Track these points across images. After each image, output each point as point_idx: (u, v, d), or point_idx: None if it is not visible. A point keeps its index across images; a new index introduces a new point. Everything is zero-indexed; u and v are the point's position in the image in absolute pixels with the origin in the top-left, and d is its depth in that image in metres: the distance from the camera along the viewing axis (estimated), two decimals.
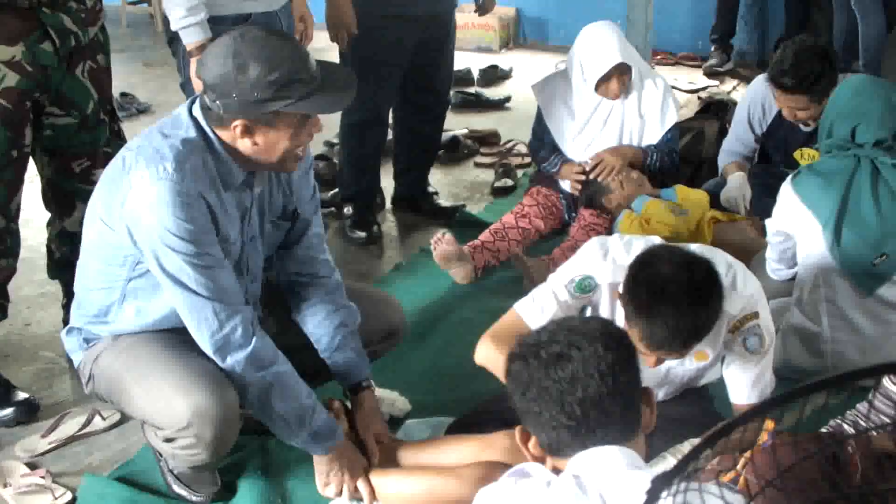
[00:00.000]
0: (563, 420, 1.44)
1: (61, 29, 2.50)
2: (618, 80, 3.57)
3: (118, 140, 2.76)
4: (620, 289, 2.17)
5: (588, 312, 2.38)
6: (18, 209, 2.69)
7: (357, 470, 2.34)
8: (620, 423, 1.44)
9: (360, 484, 2.33)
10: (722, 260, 2.29)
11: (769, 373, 2.37)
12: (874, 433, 1.79)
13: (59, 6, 2.48)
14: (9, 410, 2.68)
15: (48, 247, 2.96)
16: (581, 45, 3.62)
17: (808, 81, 3.28)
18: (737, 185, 3.63)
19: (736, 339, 2.30)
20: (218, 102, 2.05)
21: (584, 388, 1.43)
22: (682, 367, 2.40)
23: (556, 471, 1.46)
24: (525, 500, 1.41)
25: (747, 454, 1.96)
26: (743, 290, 2.28)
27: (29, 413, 2.69)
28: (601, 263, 2.34)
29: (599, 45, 3.57)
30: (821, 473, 0.97)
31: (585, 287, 2.34)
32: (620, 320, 2.27)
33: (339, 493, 2.34)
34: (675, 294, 2.05)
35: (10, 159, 2.54)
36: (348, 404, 2.54)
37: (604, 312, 2.35)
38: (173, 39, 3.03)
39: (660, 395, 2.51)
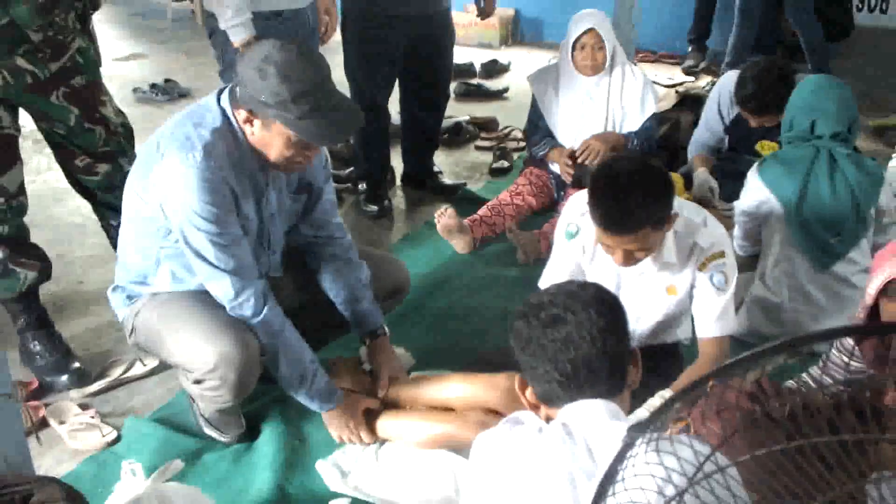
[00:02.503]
0: (556, 376, 1.43)
1: (12, 68, 2.39)
2: (591, 49, 3.52)
3: (115, 138, 2.65)
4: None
5: (580, 249, 2.41)
6: (20, 187, 2.54)
7: (356, 423, 2.35)
8: (607, 380, 1.43)
9: (363, 434, 2.35)
10: (694, 207, 2.33)
11: (732, 310, 2.37)
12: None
13: (10, 52, 2.38)
14: (63, 378, 2.65)
15: (103, 227, 2.93)
16: (570, 23, 3.61)
17: (771, 106, 3.25)
18: (703, 179, 3.61)
19: (704, 276, 2.31)
20: (238, 87, 2.06)
21: (576, 349, 1.42)
22: (656, 299, 2.40)
23: (549, 419, 1.46)
24: (519, 444, 1.41)
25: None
26: (714, 229, 2.31)
27: (80, 381, 2.64)
28: (581, 200, 2.35)
29: (581, 14, 3.58)
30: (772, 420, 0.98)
31: (571, 233, 2.39)
32: (601, 249, 2.28)
33: (340, 440, 2.37)
34: (629, 180, 2.09)
35: None
36: (362, 352, 2.56)
37: (587, 241, 2.37)
38: (213, 32, 3.00)
39: (634, 336, 2.51)
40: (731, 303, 2.36)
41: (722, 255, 2.30)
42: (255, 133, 2.09)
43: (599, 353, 1.42)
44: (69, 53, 2.48)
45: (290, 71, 1.98)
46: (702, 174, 3.62)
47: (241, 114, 2.08)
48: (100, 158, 2.63)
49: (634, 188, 2.08)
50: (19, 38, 2.34)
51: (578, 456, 1.33)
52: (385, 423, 2.38)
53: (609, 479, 0.81)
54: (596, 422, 1.39)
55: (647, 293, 2.39)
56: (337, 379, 2.45)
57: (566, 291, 1.50)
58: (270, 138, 2.08)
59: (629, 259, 2.21)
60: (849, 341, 2.02)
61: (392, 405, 2.45)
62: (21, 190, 2.55)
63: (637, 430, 0.81)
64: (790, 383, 2.26)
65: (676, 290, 2.37)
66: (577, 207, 2.39)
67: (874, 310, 2.01)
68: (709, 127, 3.73)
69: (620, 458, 0.81)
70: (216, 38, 3.01)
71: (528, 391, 1.52)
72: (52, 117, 2.53)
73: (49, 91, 2.48)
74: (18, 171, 2.53)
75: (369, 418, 2.39)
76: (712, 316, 2.35)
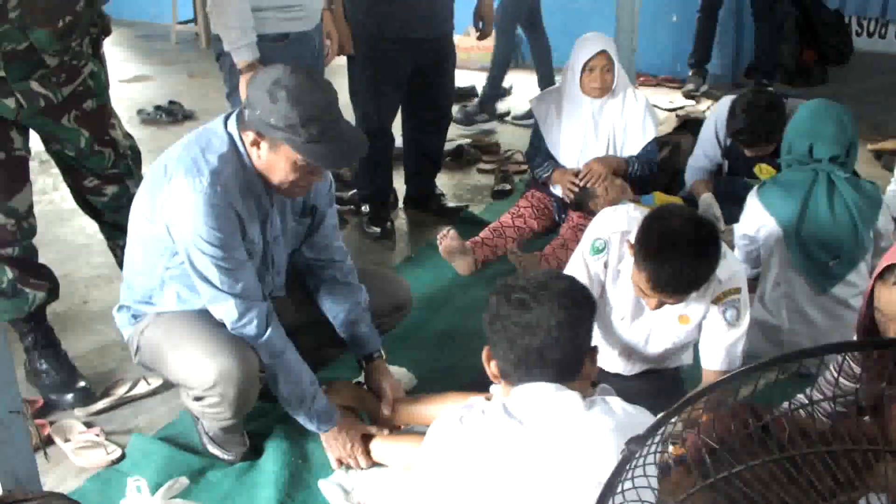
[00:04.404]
0: (510, 356, 1.55)
1: (27, 92, 2.41)
2: (601, 72, 3.57)
3: (122, 161, 2.68)
4: (632, 238, 2.20)
5: (602, 265, 2.41)
6: (30, 208, 2.56)
7: (354, 445, 2.35)
8: (556, 368, 1.54)
9: (360, 457, 2.35)
10: None
11: (740, 347, 2.37)
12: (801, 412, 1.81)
13: (24, 76, 2.40)
14: (69, 396, 2.67)
15: (109, 247, 2.95)
16: (574, 46, 3.65)
17: (762, 137, 3.33)
18: (707, 204, 3.62)
19: (717, 309, 2.31)
20: (247, 110, 2.09)
21: (532, 336, 1.53)
22: (667, 328, 2.41)
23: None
24: (467, 426, 1.53)
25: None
26: (732, 263, 2.32)
27: (85, 400, 2.66)
28: (612, 216, 2.38)
29: (588, 38, 3.62)
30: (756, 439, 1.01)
31: (598, 248, 2.38)
32: (626, 267, 2.28)
33: (338, 465, 2.37)
34: (683, 245, 2.08)
35: None
36: (360, 377, 2.57)
37: (612, 260, 2.38)
38: (220, 55, 3.04)
39: (636, 368, 2.54)
40: (742, 340, 2.36)
41: (738, 290, 2.30)
42: (262, 156, 2.12)
43: (552, 344, 1.53)
44: (81, 77, 2.52)
45: (300, 95, 2.01)
46: (706, 199, 3.64)
47: (249, 136, 2.11)
48: (108, 180, 2.67)
49: (690, 254, 2.08)
50: (36, 62, 2.38)
51: (513, 429, 1.48)
52: (379, 448, 2.38)
53: (609, 490, 0.83)
54: (538, 398, 1.51)
55: (660, 320, 2.40)
56: (339, 397, 2.47)
57: (539, 280, 1.61)
58: (277, 161, 2.11)
59: (662, 305, 2.25)
60: (838, 359, 2.04)
61: (390, 424, 2.47)
62: (30, 211, 2.58)
63: (636, 442, 0.83)
64: (785, 405, 2.28)
65: (689, 319, 2.38)
66: (606, 223, 2.40)
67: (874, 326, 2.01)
68: (706, 153, 3.75)
69: (620, 470, 0.84)
70: (223, 61, 3.05)
71: (493, 364, 1.63)
72: (62, 139, 2.56)
73: (61, 114, 2.51)
74: (28, 192, 2.56)
75: (365, 442, 2.39)
76: (719, 349, 2.36)
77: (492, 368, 1.64)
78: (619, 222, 2.36)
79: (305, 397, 2.28)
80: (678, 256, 2.08)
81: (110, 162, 2.65)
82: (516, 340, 1.55)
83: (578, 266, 2.43)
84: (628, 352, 2.51)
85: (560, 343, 1.53)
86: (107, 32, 2.65)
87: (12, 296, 2.56)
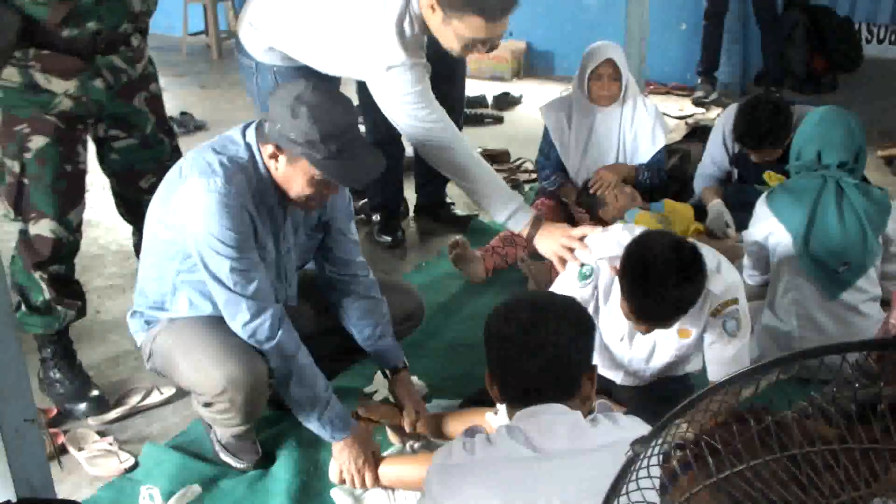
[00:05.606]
0: (509, 379, 1.58)
1: (112, 67, 2.49)
2: (608, 80, 3.59)
3: (177, 155, 2.73)
4: (617, 264, 2.19)
5: (590, 291, 2.39)
6: (80, 224, 2.60)
7: (365, 460, 2.30)
8: (553, 387, 1.55)
9: (367, 474, 2.30)
10: (709, 251, 2.29)
11: (746, 357, 2.37)
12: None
13: (110, 50, 2.47)
14: (82, 405, 2.70)
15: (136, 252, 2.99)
16: (584, 55, 3.67)
17: (766, 139, 3.34)
18: (718, 212, 3.63)
19: (717, 321, 2.30)
20: (267, 123, 2.12)
21: (530, 356, 1.54)
22: (668, 342, 2.41)
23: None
24: (477, 455, 1.53)
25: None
26: (727, 275, 2.30)
27: (99, 409, 2.69)
28: (598, 241, 2.37)
29: (596, 46, 3.64)
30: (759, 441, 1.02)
31: (585, 274, 2.38)
32: (616, 291, 2.28)
33: (342, 481, 2.32)
34: (665, 273, 2.07)
35: (64, 172, 2.47)
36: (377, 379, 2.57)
37: (601, 284, 2.37)
38: (247, 75, 3.07)
39: (646, 376, 2.54)
40: (745, 350, 2.35)
41: (735, 301, 2.30)
42: (280, 168, 2.15)
43: (550, 364, 1.54)
44: (146, 59, 2.61)
45: (320, 113, 2.04)
46: (717, 206, 3.64)
47: (268, 149, 2.14)
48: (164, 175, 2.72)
49: (671, 283, 2.07)
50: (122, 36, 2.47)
51: (521, 453, 1.48)
52: (387, 470, 2.33)
53: (613, 492, 0.85)
54: (541, 420, 1.52)
55: (660, 335, 2.40)
56: (376, 413, 2.45)
57: (538, 301, 1.64)
58: (294, 174, 2.14)
59: (652, 330, 2.26)
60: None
61: (416, 436, 2.46)
62: (80, 226, 2.60)
63: (640, 444, 0.85)
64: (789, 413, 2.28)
65: (690, 332, 2.37)
66: (592, 248, 2.39)
67: None
68: (714, 160, 3.76)
69: (624, 472, 0.85)
70: (250, 83, 3.07)
71: (496, 388, 1.64)
72: (132, 125, 2.61)
73: (134, 94, 2.58)
74: (83, 207, 2.59)
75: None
76: (724, 362, 2.34)
77: (494, 391, 1.64)
78: (605, 248, 2.35)
79: (319, 401, 2.25)
80: (659, 287, 2.08)
81: (167, 153, 2.69)
82: (515, 361, 1.55)
83: (564, 291, 2.39)
84: (632, 370, 2.51)
85: (557, 363, 1.54)
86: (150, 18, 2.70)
87: (45, 313, 2.60)
